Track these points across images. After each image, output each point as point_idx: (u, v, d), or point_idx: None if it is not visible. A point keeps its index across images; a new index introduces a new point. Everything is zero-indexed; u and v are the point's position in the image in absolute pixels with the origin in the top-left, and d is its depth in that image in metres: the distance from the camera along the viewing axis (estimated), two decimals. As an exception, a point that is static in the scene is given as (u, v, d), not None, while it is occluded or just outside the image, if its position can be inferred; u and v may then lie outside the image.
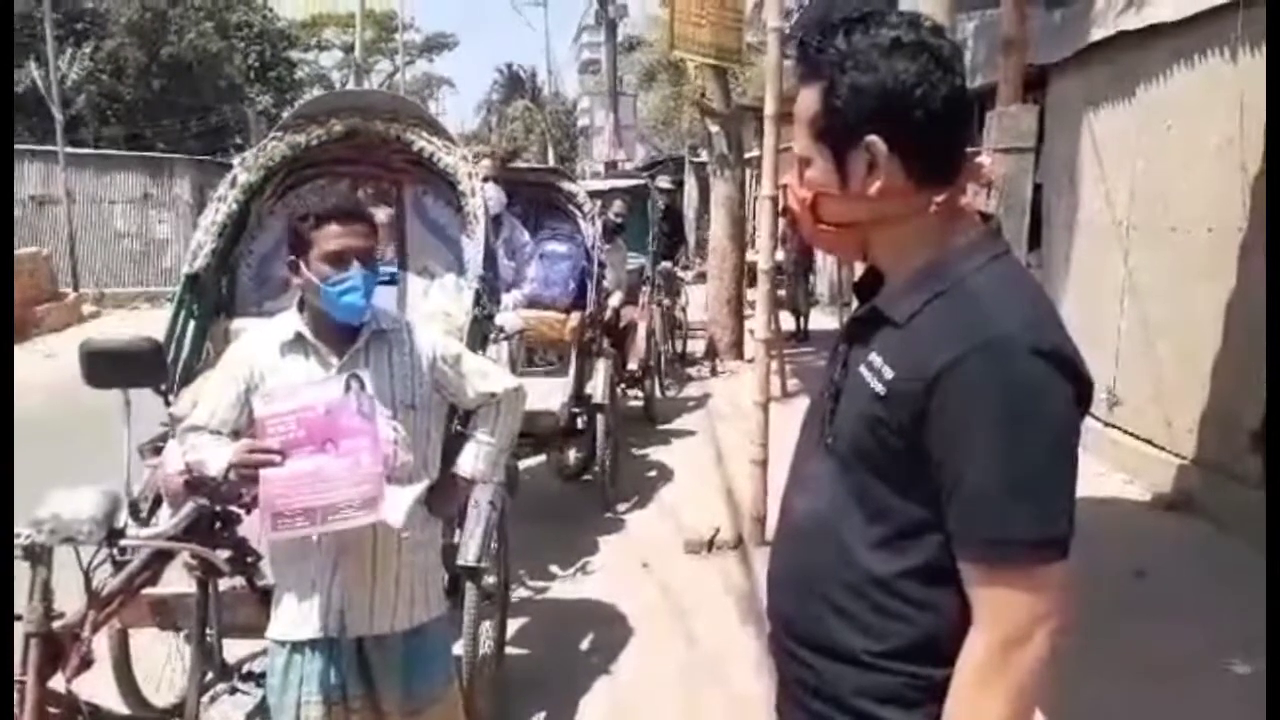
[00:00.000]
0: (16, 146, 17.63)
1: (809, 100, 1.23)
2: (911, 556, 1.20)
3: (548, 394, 5.31)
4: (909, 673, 1.21)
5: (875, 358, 1.21)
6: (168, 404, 3.05)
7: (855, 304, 1.37)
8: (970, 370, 1.11)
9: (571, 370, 5.75)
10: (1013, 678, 1.12)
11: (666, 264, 10.25)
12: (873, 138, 1.18)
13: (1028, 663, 1.12)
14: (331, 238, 2.13)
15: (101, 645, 2.87)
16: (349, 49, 29.99)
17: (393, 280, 3.39)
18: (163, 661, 3.11)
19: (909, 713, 1.21)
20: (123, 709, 2.92)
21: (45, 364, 9.76)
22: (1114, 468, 5.79)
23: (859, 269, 1.39)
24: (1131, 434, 5.80)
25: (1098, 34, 5.89)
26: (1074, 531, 1.15)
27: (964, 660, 1.15)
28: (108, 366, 2.59)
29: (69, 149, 17.59)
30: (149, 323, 3.41)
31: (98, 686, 2.55)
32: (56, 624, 1.98)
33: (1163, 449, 5.46)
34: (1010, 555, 1.12)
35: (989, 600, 1.14)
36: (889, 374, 1.18)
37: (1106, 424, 6.03)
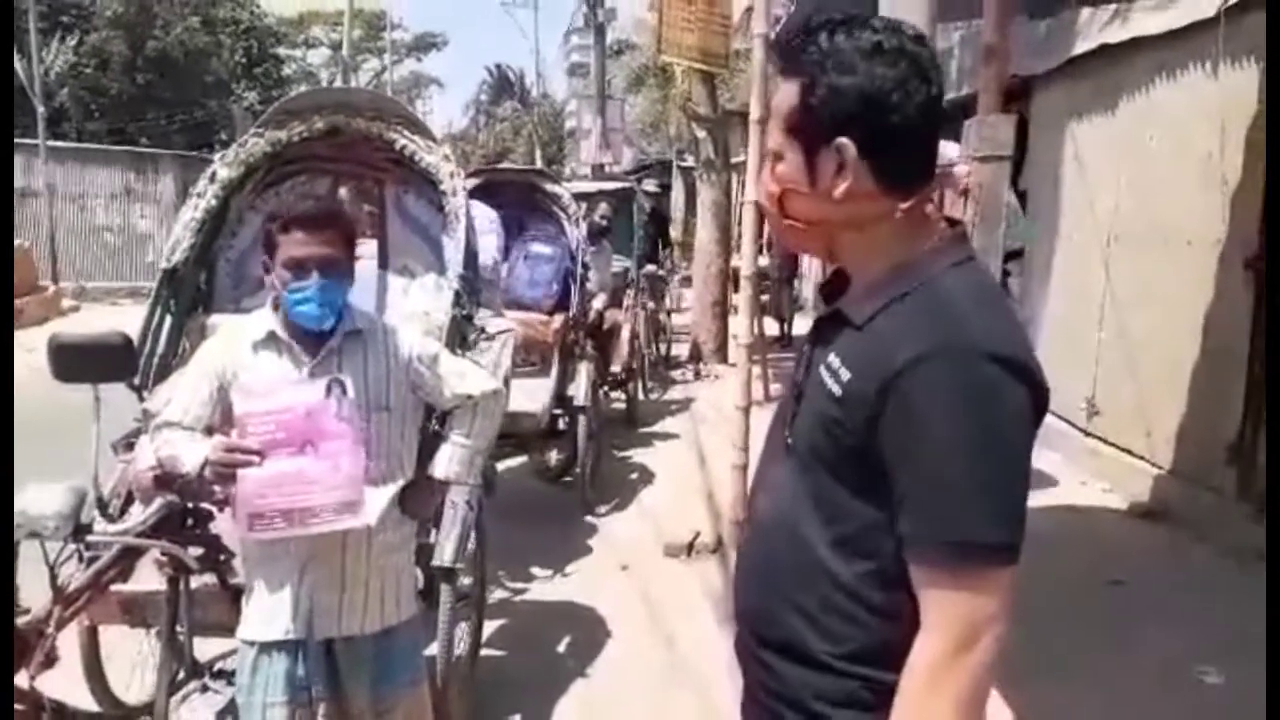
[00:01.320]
0: (-2, 138, 17.52)
1: (787, 95, 1.24)
2: (869, 559, 1.20)
3: (530, 395, 5.29)
4: (866, 676, 1.21)
5: (834, 359, 1.22)
6: (142, 400, 3.03)
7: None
8: (925, 374, 1.11)
9: (554, 372, 5.74)
10: (961, 680, 1.12)
11: (651, 267, 10.25)
12: (843, 140, 1.18)
13: (975, 665, 1.12)
14: (294, 245, 2.09)
15: (71, 642, 2.84)
16: (337, 47, 29.87)
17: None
18: (133, 659, 3.07)
19: (863, 715, 1.21)
20: (92, 706, 2.88)
21: (23, 358, 9.65)
22: (1093, 477, 5.82)
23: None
24: (1111, 444, 5.84)
25: (1082, 46, 5.93)
26: (1024, 537, 1.14)
27: (913, 662, 1.15)
28: (76, 361, 2.55)
29: (51, 142, 17.45)
30: (129, 318, 3.37)
31: (68, 684, 2.53)
32: (21, 620, 1.96)
33: (1141, 459, 5.49)
34: (961, 558, 1.12)
35: (938, 602, 1.13)
36: (846, 375, 1.19)
37: (1086, 433, 6.06)
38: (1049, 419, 1.23)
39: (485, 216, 5.14)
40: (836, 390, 1.19)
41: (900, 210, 1.21)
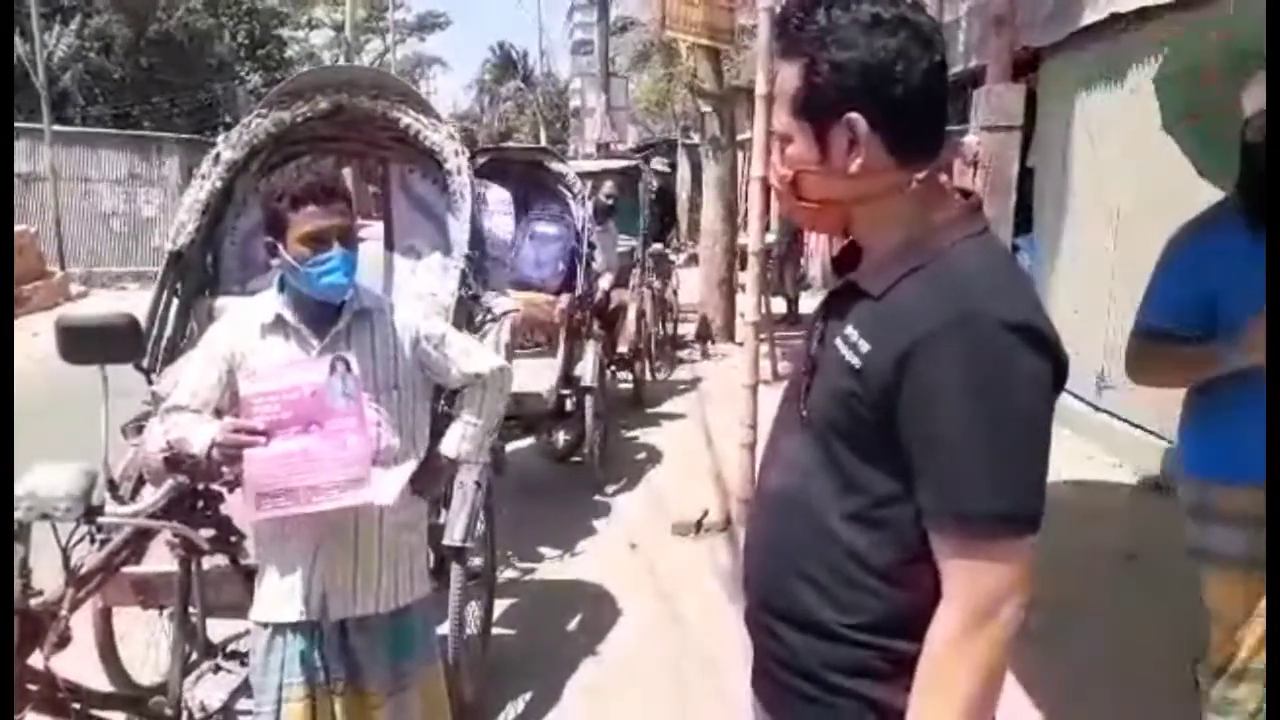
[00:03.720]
0: (2, 123, 17.47)
1: (789, 77, 1.23)
2: (885, 530, 1.21)
3: (536, 376, 5.29)
4: (879, 646, 1.22)
5: (851, 331, 1.22)
6: (150, 382, 3.04)
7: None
8: (941, 344, 1.12)
9: (560, 352, 5.73)
10: (982, 650, 1.13)
11: (658, 246, 10.21)
12: (853, 115, 1.18)
13: (996, 634, 1.13)
14: (310, 219, 2.09)
15: (85, 623, 2.86)
16: (339, 27, 29.78)
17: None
18: (147, 640, 3.10)
19: (879, 685, 1.22)
20: (106, 686, 2.90)
21: (32, 343, 9.71)
22: (1104, 451, 5.81)
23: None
24: (1121, 418, 5.82)
25: (1091, 16, 5.87)
26: (1044, 507, 1.15)
27: (934, 632, 1.16)
28: (84, 342, 2.55)
29: (55, 126, 17.41)
30: (136, 302, 3.37)
31: (82, 665, 2.55)
32: (34, 601, 1.98)
33: (1152, 433, 5.47)
34: (979, 528, 1.13)
35: (959, 572, 1.14)
36: (865, 347, 1.19)
37: (1096, 408, 6.05)
38: (1058, 394, 1.22)
39: (499, 198, 5.10)
40: (855, 362, 1.19)
41: (915, 181, 1.21)
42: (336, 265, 2.10)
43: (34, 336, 10.07)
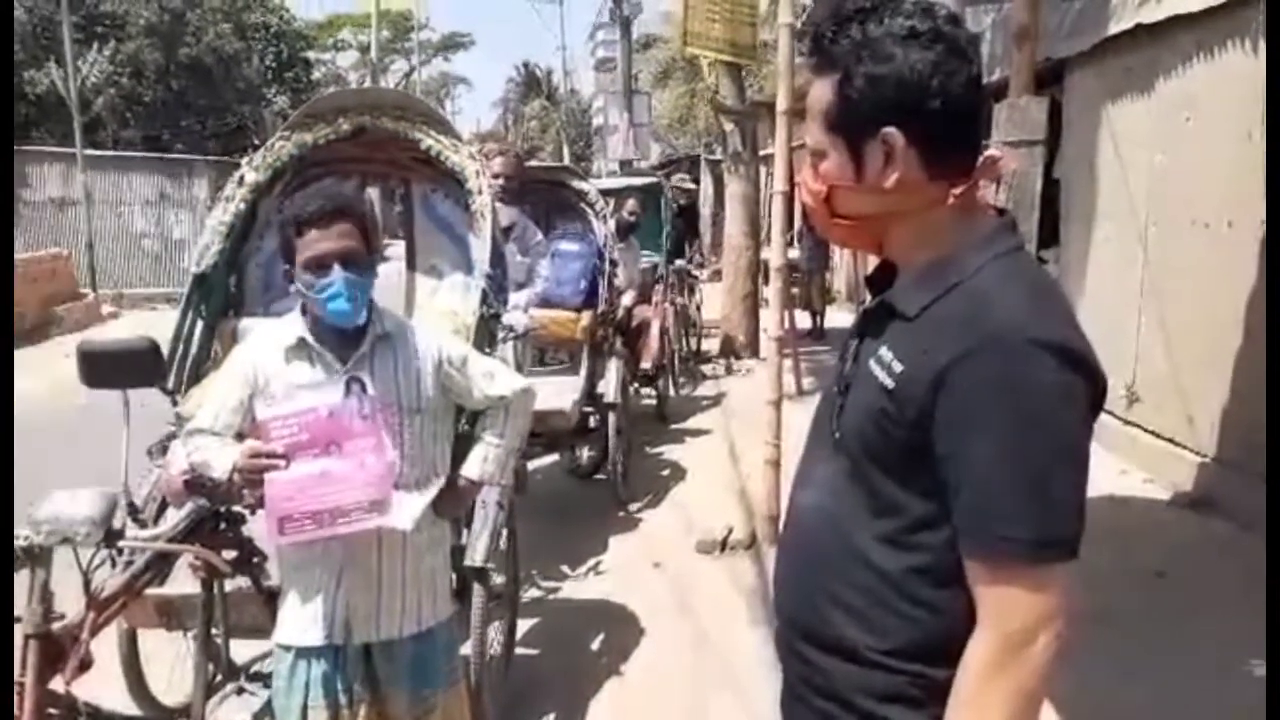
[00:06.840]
0: (37, 148, 17.83)
1: (823, 92, 1.21)
2: (919, 553, 1.18)
3: (559, 393, 5.28)
4: (912, 672, 1.19)
5: (885, 351, 1.20)
6: (175, 404, 3.06)
7: (868, 298, 1.35)
8: (975, 365, 1.09)
9: (583, 369, 5.73)
10: (1016, 678, 1.10)
11: (680, 262, 10.21)
12: (889, 129, 1.16)
13: (1032, 663, 1.10)
14: (310, 244, 2.08)
15: (110, 645, 2.87)
16: (365, 49, 30.12)
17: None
18: (172, 662, 3.10)
19: (911, 712, 1.20)
20: (131, 709, 2.92)
21: (64, 364, 9.84)
22: (1134, 466, 5.71)
23: (873, 263, 1.37)
24: (1152, 432, 5.72)
25: (1116, 26, 5.81)
26: (1083, 530, 1.12)
27: (968, 659, 1.13)
28: (105, 367, 2.57)
29: (88, 150, 17.71)
30: (166, 323, 3.41)
31: (106, 687, 2.55)
32: (56, 625, 1.99)
33: (1183, 447, 5.38)
34: (1013, 554, 1.10)
35: (993, 599, 1.12)
36: (898, 368, 1.17)
37: (1126, 422, 5.95)
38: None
39: (536, 239, 5.12)
40: (889, 383, 1.17)
41: (953, 196, 1.19)
42: (337, 291, 2.07)
43: (66, 358, 10.21)
